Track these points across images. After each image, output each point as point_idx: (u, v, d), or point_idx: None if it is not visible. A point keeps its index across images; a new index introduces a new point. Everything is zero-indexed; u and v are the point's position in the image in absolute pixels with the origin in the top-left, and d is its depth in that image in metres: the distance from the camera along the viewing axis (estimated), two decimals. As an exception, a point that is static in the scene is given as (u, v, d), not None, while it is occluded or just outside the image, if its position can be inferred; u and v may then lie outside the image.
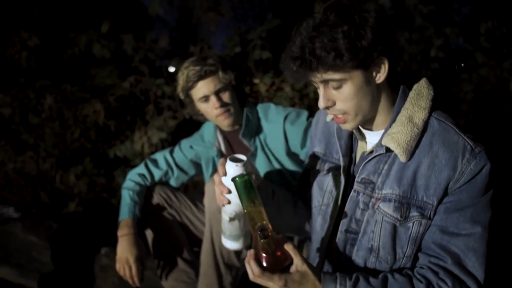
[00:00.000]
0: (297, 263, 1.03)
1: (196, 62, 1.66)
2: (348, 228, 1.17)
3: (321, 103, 1.06)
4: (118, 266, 1.63)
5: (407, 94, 1.11)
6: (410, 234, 1.08)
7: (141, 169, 1.81)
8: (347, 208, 1.17)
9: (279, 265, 1.02)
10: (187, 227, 1.82)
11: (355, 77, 1.01)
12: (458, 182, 1.02)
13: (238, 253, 1.59)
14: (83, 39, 3.41)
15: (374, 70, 1.03)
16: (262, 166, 1.78)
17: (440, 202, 1.05)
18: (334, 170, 1.25)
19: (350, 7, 0.99)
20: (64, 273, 2.18)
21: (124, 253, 1.62)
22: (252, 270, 1.02)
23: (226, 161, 1.16)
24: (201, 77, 1.64)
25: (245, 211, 1.04)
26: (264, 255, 1.02)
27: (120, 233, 1.66)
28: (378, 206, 1.10)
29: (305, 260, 1.03)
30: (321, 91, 1.06)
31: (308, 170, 1.37)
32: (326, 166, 1.28)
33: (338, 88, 1.03)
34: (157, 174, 1.82)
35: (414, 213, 1.06)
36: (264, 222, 1.03)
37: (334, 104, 1.06)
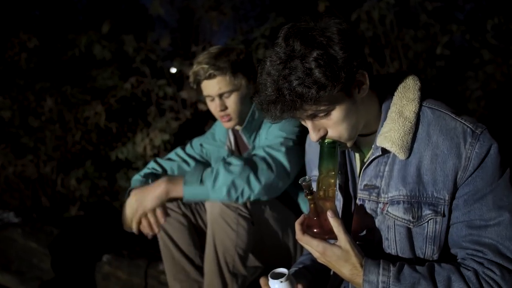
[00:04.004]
0: (341, 241, 0.99)
1: (207, 60, 1.60)
2: (361, 239, 1.11)
3: (314, 137, 1.01)
4: (133, 219, 1.45)
5: (392, 91, 1.06)
6: (427, 234, 1.02)
7: (150, 164, 1.76)
8: (355, 219, 1.12)
9: (320, 233, 1.01)
10: (202, 230, 1.72)
11: (341, 100, 0.97)
12: (467, 169, 0.96)
13: (244, 260, 1.52)
14: (84, 40, 3.38)
15: (356, 87, 0.99)
16: None
17: (453, 195, 0.99)
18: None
19: (311, 30, 0.93)
20: (65, 281, 2.13)
21: (144, 202, 1.46)
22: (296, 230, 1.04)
23: (267, 279, 1.09)
24: (206, 77, 1.59)
25: (320, 172, 1.05)
26: (309, 215, 1.03)
27: (132, 192, 1.51)
28: (387, 210, 1.04)
29: (351, 240, 0.99)
30: (309, 124, 1.01)
31: None
32: None
33: (326, 115, 0.98)
34: (167, 165, 1.76)
35: (426, 212, 1.00)
36: (320, 185, 1.03)
37: (326, 132, 1.01)
